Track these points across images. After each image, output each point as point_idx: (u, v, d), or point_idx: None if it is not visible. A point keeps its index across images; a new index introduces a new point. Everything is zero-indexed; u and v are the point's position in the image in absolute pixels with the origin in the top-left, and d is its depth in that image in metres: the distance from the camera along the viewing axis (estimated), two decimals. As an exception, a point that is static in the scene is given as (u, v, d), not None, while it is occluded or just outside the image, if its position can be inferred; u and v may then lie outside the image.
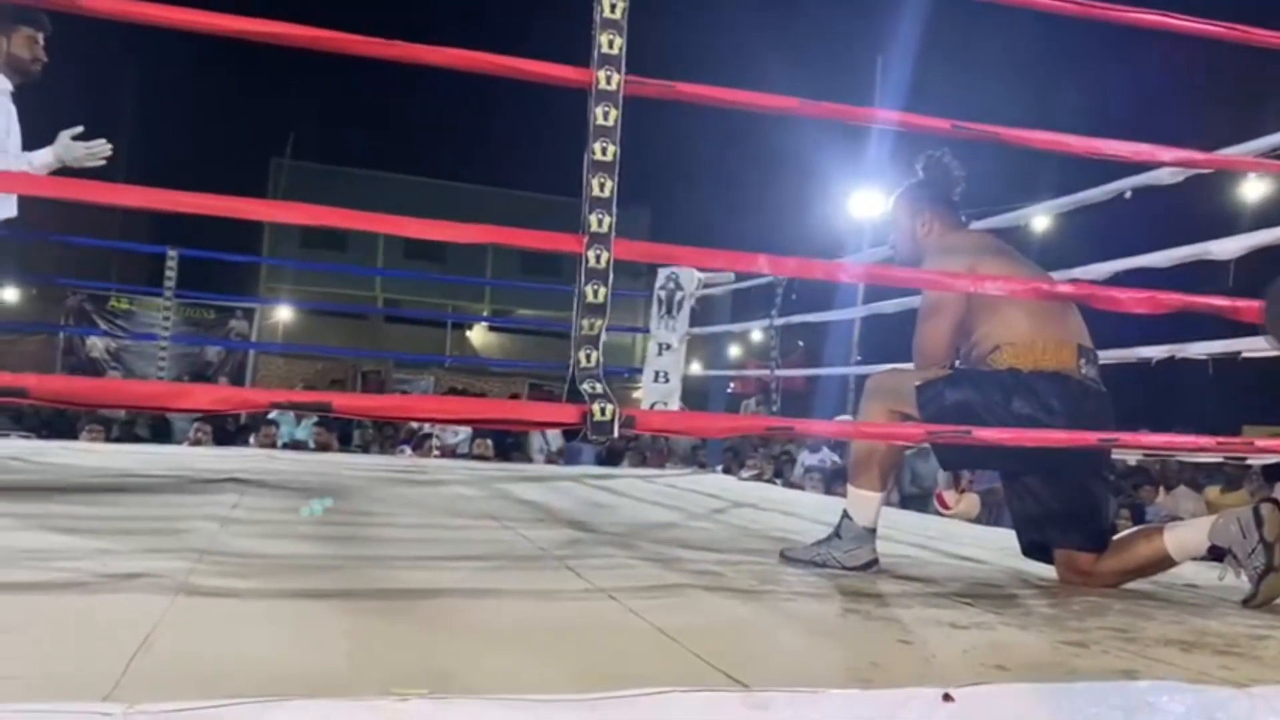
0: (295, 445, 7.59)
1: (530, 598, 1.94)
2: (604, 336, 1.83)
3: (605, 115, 1.80)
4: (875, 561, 2.45)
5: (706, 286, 6.47)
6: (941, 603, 2.08)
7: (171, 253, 6.14)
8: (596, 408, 1.74)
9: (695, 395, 7.28)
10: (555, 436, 7.99)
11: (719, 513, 3.87)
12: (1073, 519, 2.45)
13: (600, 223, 1.78)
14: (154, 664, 1.30)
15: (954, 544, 2.95)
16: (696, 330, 6.58)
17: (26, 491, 3.19)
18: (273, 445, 7.15)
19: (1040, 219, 5.16)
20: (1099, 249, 3.67)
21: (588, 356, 1.81)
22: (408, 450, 7.77)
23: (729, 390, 14.95)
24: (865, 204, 14.46)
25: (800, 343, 13.16)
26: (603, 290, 1.80)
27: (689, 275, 6.33)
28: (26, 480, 3.51)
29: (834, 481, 6.80)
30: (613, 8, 1.81)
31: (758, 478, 6.59)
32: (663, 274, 6.43)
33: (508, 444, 8.56)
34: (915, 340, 2.59)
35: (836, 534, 2.48)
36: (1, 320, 14.16)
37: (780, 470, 7.09)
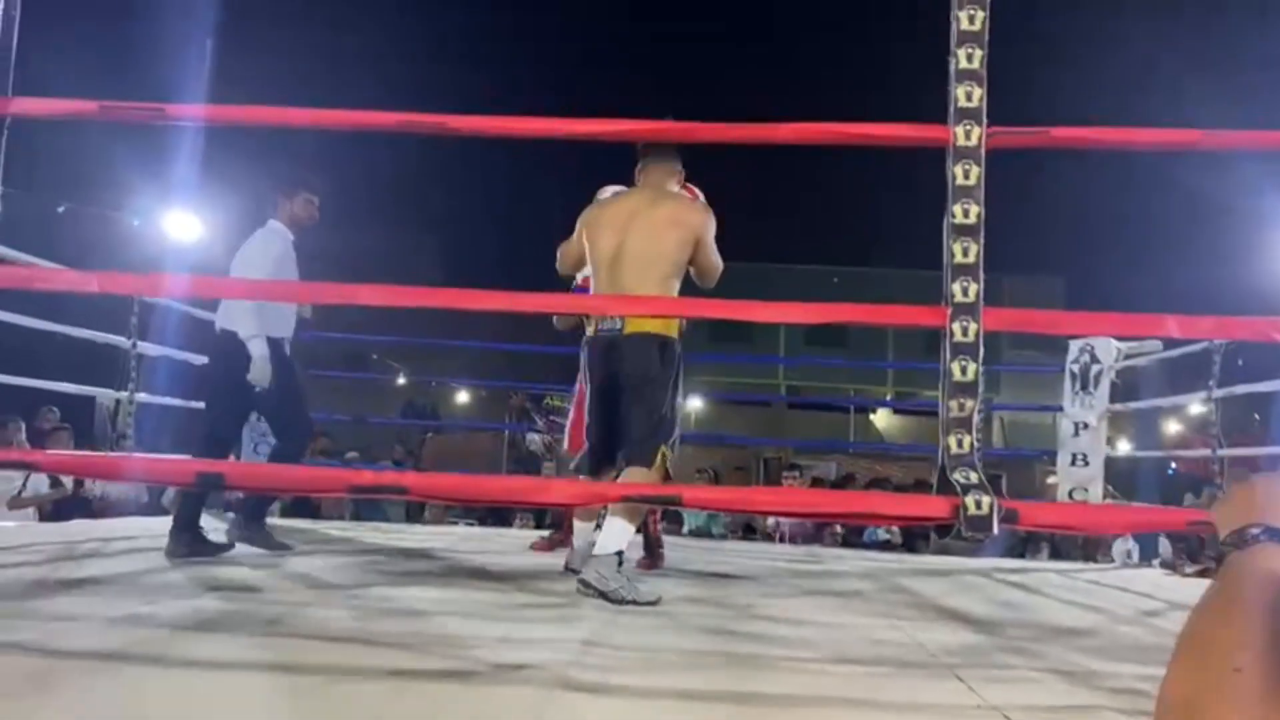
0: (700, 534, 7.78)
1: (908, 712, 1.75)
2: (977, 418, 1.63)
3: (966, 174, 1.63)
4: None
5: (1128, 357, 5.78)
6: None
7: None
8: (970, 500, 1.54)
9: (1124, 479, 6.46)
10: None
11: (1151, 616, 3.34)
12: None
13: (965, 291, 1.61)
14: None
15: None
16: (1118, 407, 5.87)
17: (455, 576, 3.51)
18: (678, 533, 7.39)
19: None
20: None
21: (959, 441, 1.61)
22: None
23: (1170, 472, 13.17)
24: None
25: (1257, 415, 11.41)
26: (972, 366, 1.61)
27: (1106, 346, 5.70)
28: (457, 564, 3.86)
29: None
30: (969, 57, 1.66)
31: (1203, 574, 5.65)
32: (1075, 346, 5.84)
33: (914, 533, 8.14)
34: None
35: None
36: (457, 419, 16.85)
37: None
